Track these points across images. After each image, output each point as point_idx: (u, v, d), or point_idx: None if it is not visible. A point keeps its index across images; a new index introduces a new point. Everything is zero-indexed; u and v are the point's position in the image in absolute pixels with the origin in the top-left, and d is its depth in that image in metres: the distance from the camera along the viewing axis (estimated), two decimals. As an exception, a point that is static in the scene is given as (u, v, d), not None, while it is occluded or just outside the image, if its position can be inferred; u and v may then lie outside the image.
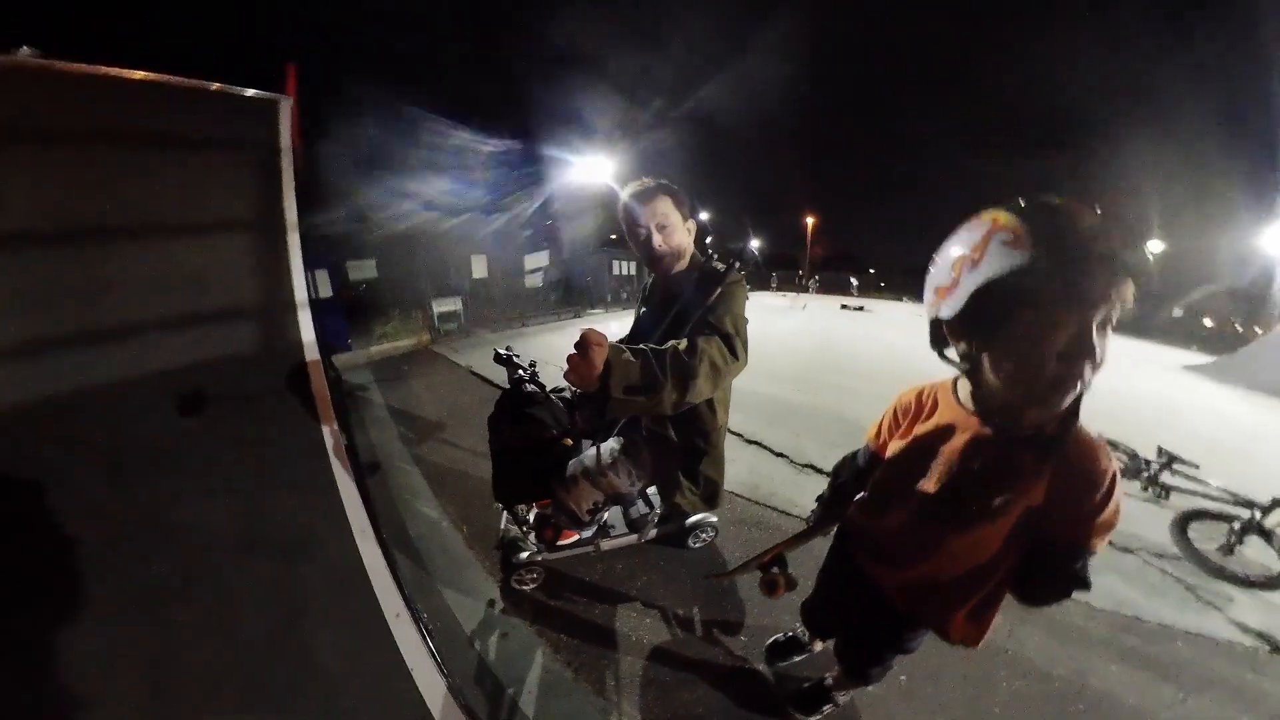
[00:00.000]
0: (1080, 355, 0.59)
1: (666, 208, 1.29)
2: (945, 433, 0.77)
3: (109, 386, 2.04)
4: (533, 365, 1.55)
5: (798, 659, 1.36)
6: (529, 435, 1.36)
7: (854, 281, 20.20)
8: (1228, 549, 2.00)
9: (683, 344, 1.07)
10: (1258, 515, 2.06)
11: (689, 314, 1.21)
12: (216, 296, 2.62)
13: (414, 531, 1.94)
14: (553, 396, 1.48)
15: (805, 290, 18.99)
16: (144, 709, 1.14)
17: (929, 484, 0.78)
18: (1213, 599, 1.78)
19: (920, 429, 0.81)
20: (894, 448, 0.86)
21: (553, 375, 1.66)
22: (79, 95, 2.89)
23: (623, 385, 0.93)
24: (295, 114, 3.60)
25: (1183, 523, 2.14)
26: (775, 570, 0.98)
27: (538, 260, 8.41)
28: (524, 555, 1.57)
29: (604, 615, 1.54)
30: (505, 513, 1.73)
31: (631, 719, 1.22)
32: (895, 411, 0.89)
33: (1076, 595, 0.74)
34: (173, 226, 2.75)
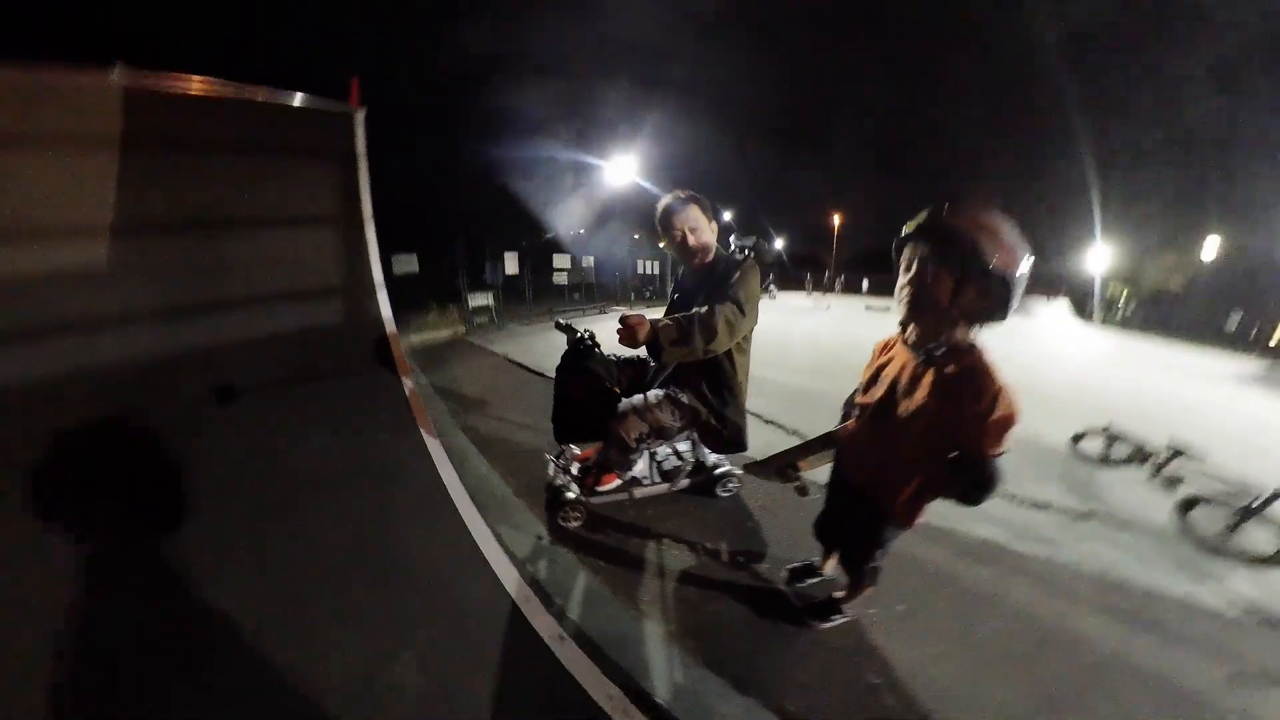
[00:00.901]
0: (955, 305, 0.92)
1: (696, 215, 1.63)
2: (891, 363, 1.09)
3: (236, 344, 2.53)
4: (589, 333, 1.82)
5: (812, 581, 1.57)
6: (587, 385, 1.65)
7: (864, 281, 19.76)
8: (1228, 531, 2.05)
9: (705, 309, 1.44)
10: (1256, 503, 2.12)
11: (715, 292, 1.53)
12: (312, 278, 3.13)
13: (468, 484, 2.22)
14: (606, 356, 1.77)
15: (831, 290, 18.70)
16: (289, 581, 1.48)
17: (878, 401, 1.08)
18: (1207, 574, 1.85)
19: (880, 361, 1.13)
20: (866, 378, 1.15)
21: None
22: (195, 110, 3.42)
23: (668, 340, 1.37)
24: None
25: (1185, 506, 2.22)
26: (795, 474, 1.27)
27: (565, 259, 8.83)
28: (570, 495, 1.84)
29: (637, 548, 1.78)
30: (552, 463, 2.02)
31: (665, 626, 1.45)
32: (874, 353, 1.19)
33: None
34: (275, 220, 3.27)
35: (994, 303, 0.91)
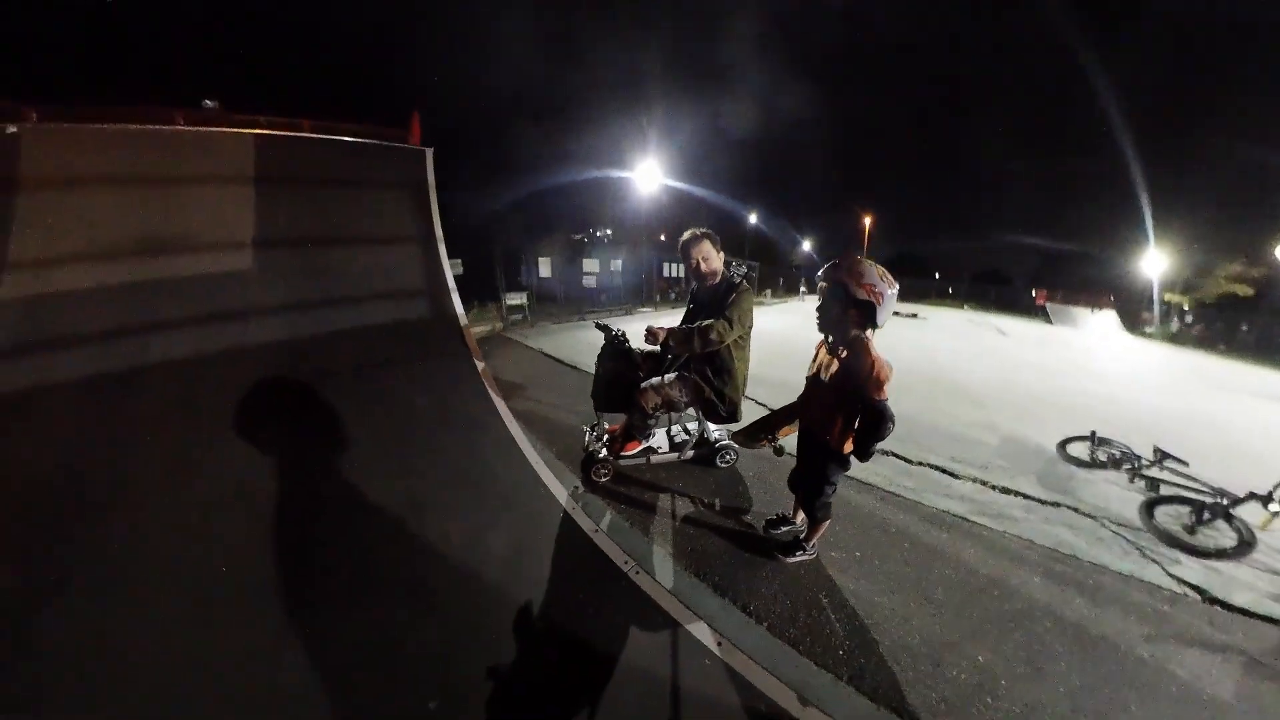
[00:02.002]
0: (842, 319, 1.41)
1: (707, 248, 2.16)
2: (821, 352, 1.62)
3: (349, 330, 3.41)
4: (622, 332, 2.33)
5: (785, 529, 1.94)
6: (619, 369, 2.15)
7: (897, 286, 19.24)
8: (1190, 528, 2.20)
9: (706, 322, 2.01)
10: (1225, 502, 2.26)
11: (717, 308, 2.07)
12: (401, 281, 4.04)
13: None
14: (629, 344, 2.27)
15: None
16: (417, 487, 2.09)
17: (814, 375, 1.61)
18: (1158, 558, 2.01)
19: (818, 351, 1.64)
20: (811, 369, 1.64)
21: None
22: (307, 150, 4.46)
23: (675, 342, 1.98)
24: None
25: (1152, 504, 2.37)
26: (772, 438, 1.71)
27: (594, 263, 9.45)
28: (601, 455, 2.34)
29: (651, 497, 2.22)
30: (588, 433, 2.52)
31: (670, 552, 1.87)
32: (816, 347, 1.68)
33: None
34: (370, 237, 4.23)
35: (865, 319, 1.45)
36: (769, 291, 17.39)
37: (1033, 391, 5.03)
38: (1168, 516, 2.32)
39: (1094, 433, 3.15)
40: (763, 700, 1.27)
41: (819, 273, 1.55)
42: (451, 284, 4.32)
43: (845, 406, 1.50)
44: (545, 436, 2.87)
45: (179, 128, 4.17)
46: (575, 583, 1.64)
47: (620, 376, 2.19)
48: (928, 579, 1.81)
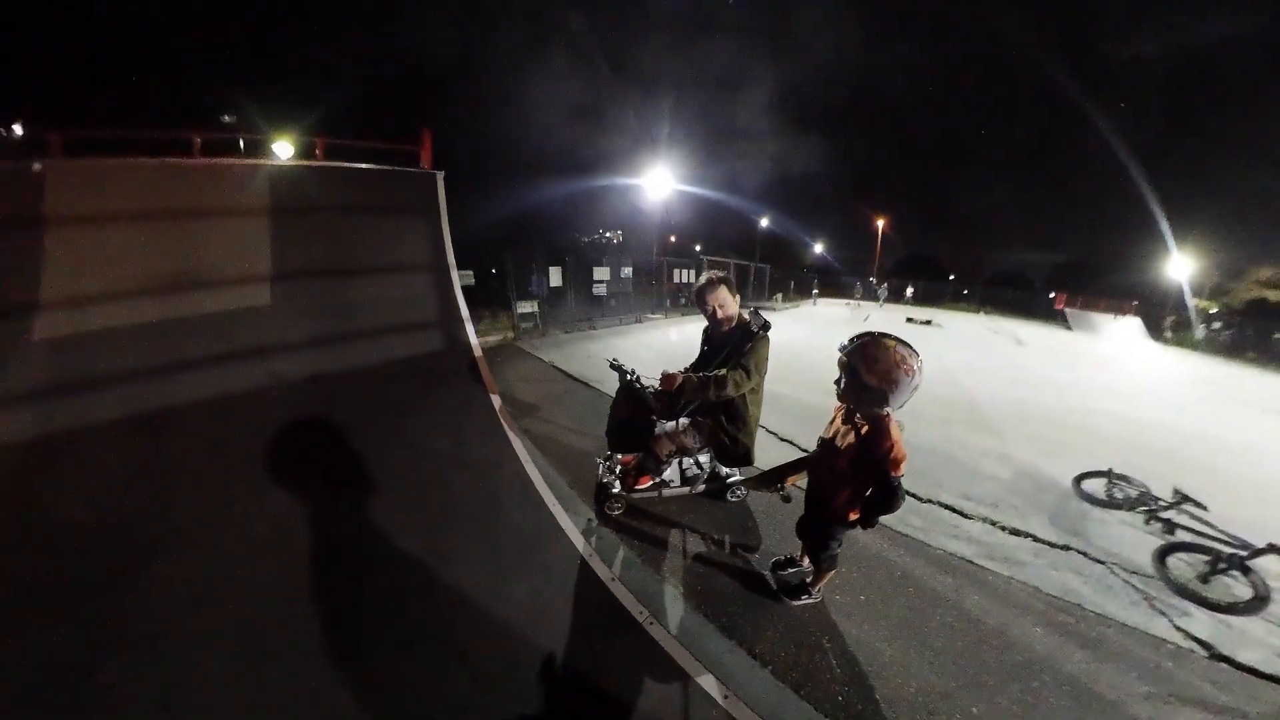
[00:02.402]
0: (861, 395, 1.46)
1: (723, 294, 2.23)
2: (839, 418, 1.63)
3: (367, 367, 3.47)
4: (634, 372, 2.39)
5: (791, 571, 2.01)
6: (633, 411, 2.23)
7: (909, 289, 18.81)
8: (1204, 577, 2.18)
9: (723, 370, 2.07)
10: (1243, 553, 2.23)
11: (733, 354, 2.14)
12: (415, 313, 4.11)
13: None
14: (646, 389, 2.33)
15: (875, 299, 17.99)
16: (420, 542, 2.19)
17: (829, 439, 1.64)
18: (1166, 609, 2.01)
19: (836, 419, 1.65)
20: (827, 431, 1.66)
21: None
22: (320, 179, 4.53)
23: (691, 390, 2.03)
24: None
25: (1166, 551, 2.35)
26: (780, 487, 1.81)
27: (604, 271, 9.53)
28: (614, 491, 2.42)
29: (663, 532, 2.31)
30: (601, 465, 2.61)
31: (680, 592, 1.95)
32: (834, 410, 1.69)
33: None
34: (383, 267, 4.31)
35: (877, 401, 1.46)
36: (779, 296, 17.24)
37: (1051, 414, 4.94)
38: (1181, 564, 2.30)
39: (1111, 470, 3.12)
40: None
41: (842, 346, 1.54)
42: (465, 313, 4.38)
43: (855, 481, 1.55)
44: (559, 463, 2.97)
45: (197, 161, 4.25)
46: (593, 633, 1.73)
47: (635, 420, 2.28)
48: (929, 626, 1.86)
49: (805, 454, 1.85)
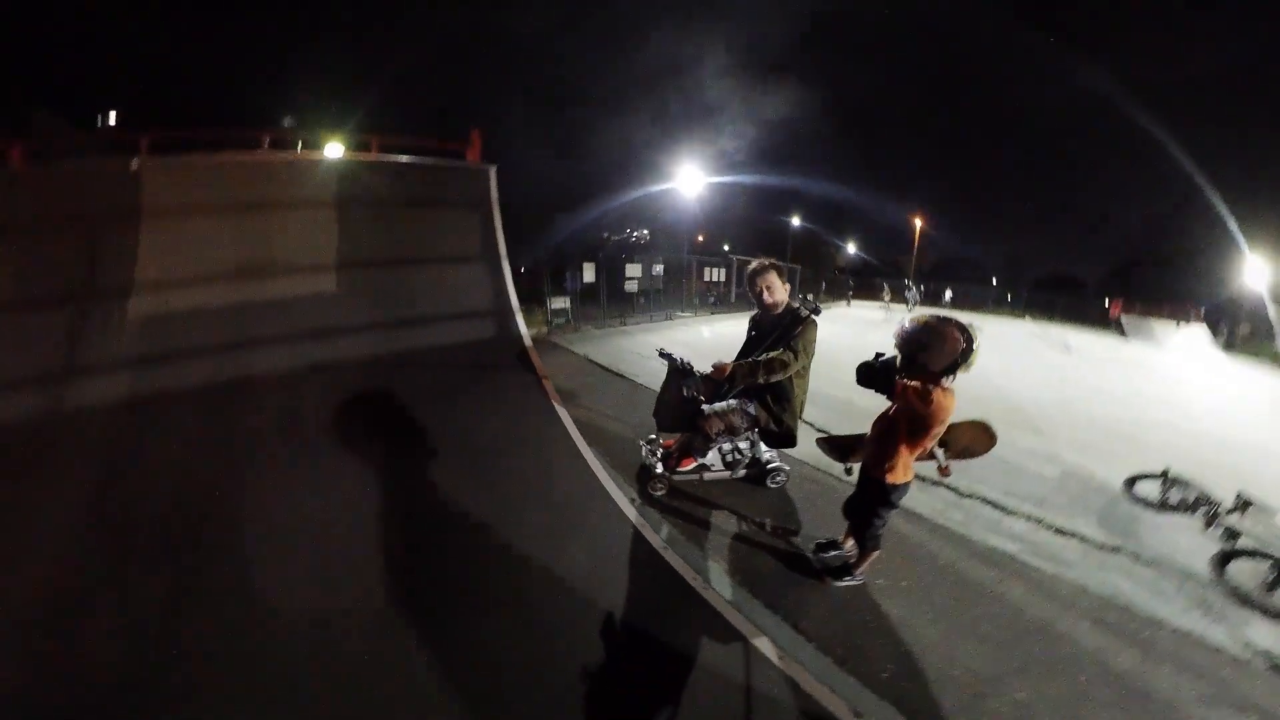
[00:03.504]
0: (912, 354, 1.56)
1: (773, 278, 2.32)
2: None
3: (424, 349, 3.80)
4: (683, 359, 2.51)
5: (834, 553, 2.07)
6: (682, 393, 2.34)
7: (948, 292, 17.84)
8: (1269, 586, 2.07)
9: (772, 352, 2.15)
10: None
11: (782, 338, 2.21)
12: (469, 301, 4.42)
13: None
14: (694, 373, 2.45)
15: (905, 301, 17.30)
16: (482, 511, 2.38)
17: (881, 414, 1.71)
18: (1225, 618, 1.91)
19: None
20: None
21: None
22: (383, 173, 4.89)
23: (742, 375, 2.16)
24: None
25: (1226, 557, 2.25)
26: (850, 461, 1.93)
27: (636, 268, 9.69)
28: (658, 471, 2.55)
29: (705, 514, 2.41)
30: (645, 448, 2.74)
31: (725, 569, 2.04)
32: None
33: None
34: (440, 257, 4.65)
35: (918, 353, 1.58)
36: (811, 296, 16.91)
37: (1101, 420, 4.72)
38: (1244, 572, 2.20)
39: (1166, 471, 3.00)
40: (820, 710, 1.43)
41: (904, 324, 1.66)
42: (515, 303, 4.67)
43: (889, 438, 1.67)
44: (601, 446, 3.11)
45: (272, 156, 4.63)
46: (650, 594, 1.86)
47: (685, 400, 2.38)
48: (973, 614, 1.87)
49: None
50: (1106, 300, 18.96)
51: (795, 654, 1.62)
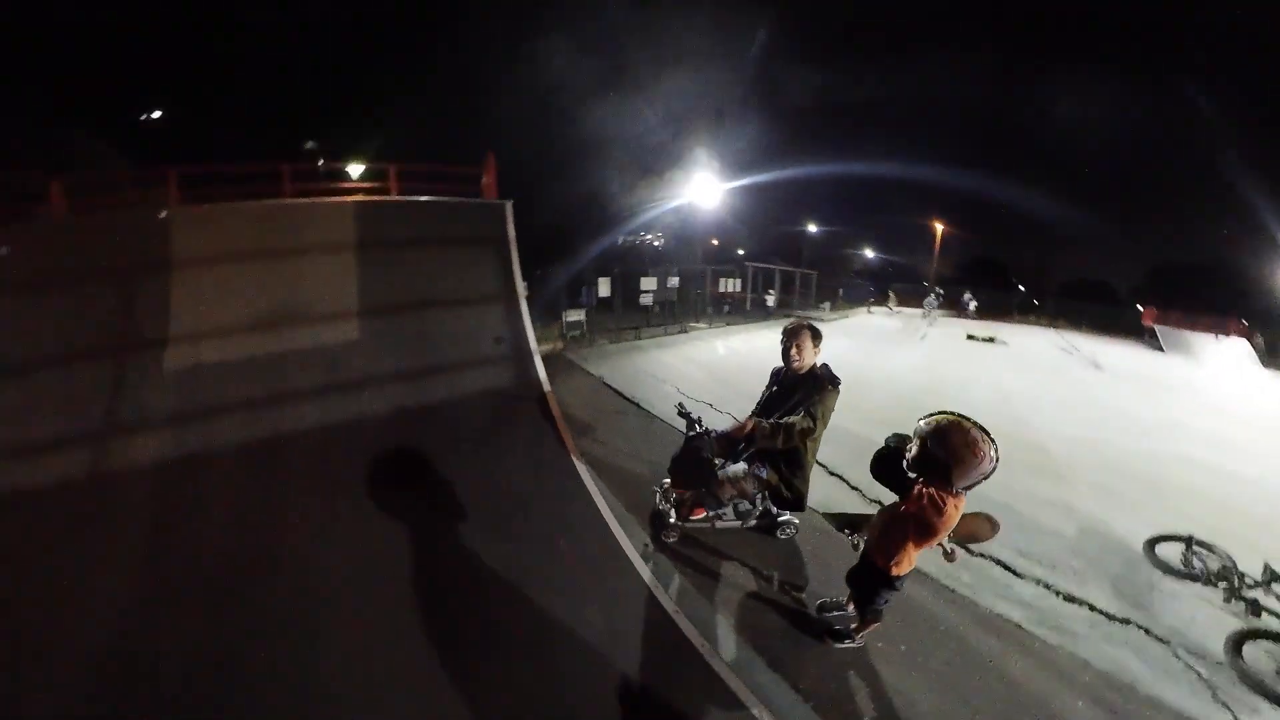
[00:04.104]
0: (934, 471, 1.56)
1: (805, 339, 2.42)
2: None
3: (445, 399, 3.93)
4: (699, 419, 2.63)
5: (836, 614, 2.16)
6: (697, 456, 2.48)
7: (972, 303, 17.02)
8: None
9: (791, 417, 2.27)
10: None
11: (801, 402, 2.33)
12: (489, 346, 4.50)
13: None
14: (711, 435, 2.57)
15: (926, 312, 16.72)
16: (501, 546, 2.57)
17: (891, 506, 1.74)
18: (1232, 703, 1.89)
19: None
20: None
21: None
22: (397, 214, 5.00)
23: (761, 436, 2.27)
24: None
25: (1243, 638, 2.20)
26: (849, 532, 1.99)
27: (651, 281, 9.76)
28: (671, 520, 2.68)
29: (714, 564, 2.53)
30: (658, 494, 2.87)
31: (731, 624, 2.16)
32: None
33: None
34: (458, 299, 4.73)
35: (941, 474, 1.56)
36: (827, 304, 16.63)
37: (1129, 461, 4.56)
38: (1261, 654, 2.15)
39: (1192, 536, 2.91)
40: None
41: (920, 420, 1.63)
42: (534, 346, 4.68)
43: (897, 538, 1.72)
44: (616, 488, 3.23)
45: (293, 201, 4.66)
46: (661, 656, 2.00)
47: (699, 464, 2.51)
48: (968, 686, 1.94)
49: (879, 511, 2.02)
50: (1139, 306, 17.95)
51: (790, 717, 1.74)
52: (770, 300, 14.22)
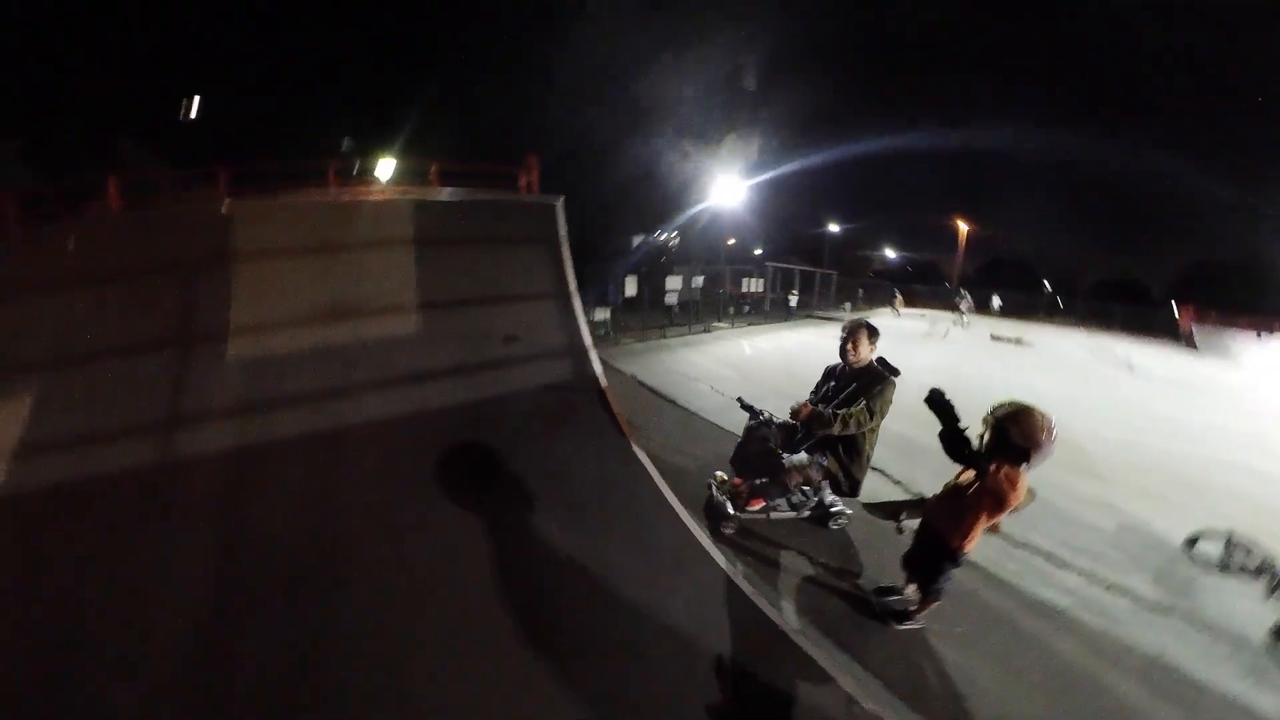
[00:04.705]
0: (1012, 456, 1.78)
1: (862, 336, 2.61)
2: (962, 474, 1.94)
3: (505, 393, 3.99)
4: (761, 411, 2.83)
5: (894, 598, 2.34)
6: (762, 445, 2.67)
7: (997, 302, 16.74)
8: None
9: (854, 408, 2.45)
10: None
11: (859, 393, 2.52)
12: (543, 342, 4.61)
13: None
14: (774, 424, 2.77)
15: (958, 310, 16.38)
16: (579, 539, 2.71)
17: (955, 486, 1.96)
18: (1277, 686, 1.99)
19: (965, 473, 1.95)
20: (954, 480, 1.99)
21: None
22: (454, 212, 5.13)
23: (819, 424, 2.44)
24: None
25: None
26: (897, 520, 2.18)
27: (677, 280, 9.95)
28: (728, 511, 2.88)
29: (773, 553, 2.71)
30: (713, 486, 3.07)
31: (791, 611, 2.33)
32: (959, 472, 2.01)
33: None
34: (514, 296, 4.82)
35: (1018, 458, 1.76)
36: (848, 305, 16.60)
37: (1166, 461, 4.64)
38: None
39: (1231, 535, 3.03)
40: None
41: (992, 409, 1.83)
42: (589, 342, 4.71)
43: (969, 515, 1.89)
44: (670, 483, 3.36)
45: (350, 196, 4.75)
46: (751, 640, 2.12)
47: (765, 454, 2.69)
48: (1023, 662, 2.10)
49: (923, 496, 2.19)
50: (1174, 307, 17.48)
51: (865, 694, 1.90)
52: (793, 301, 14.29)
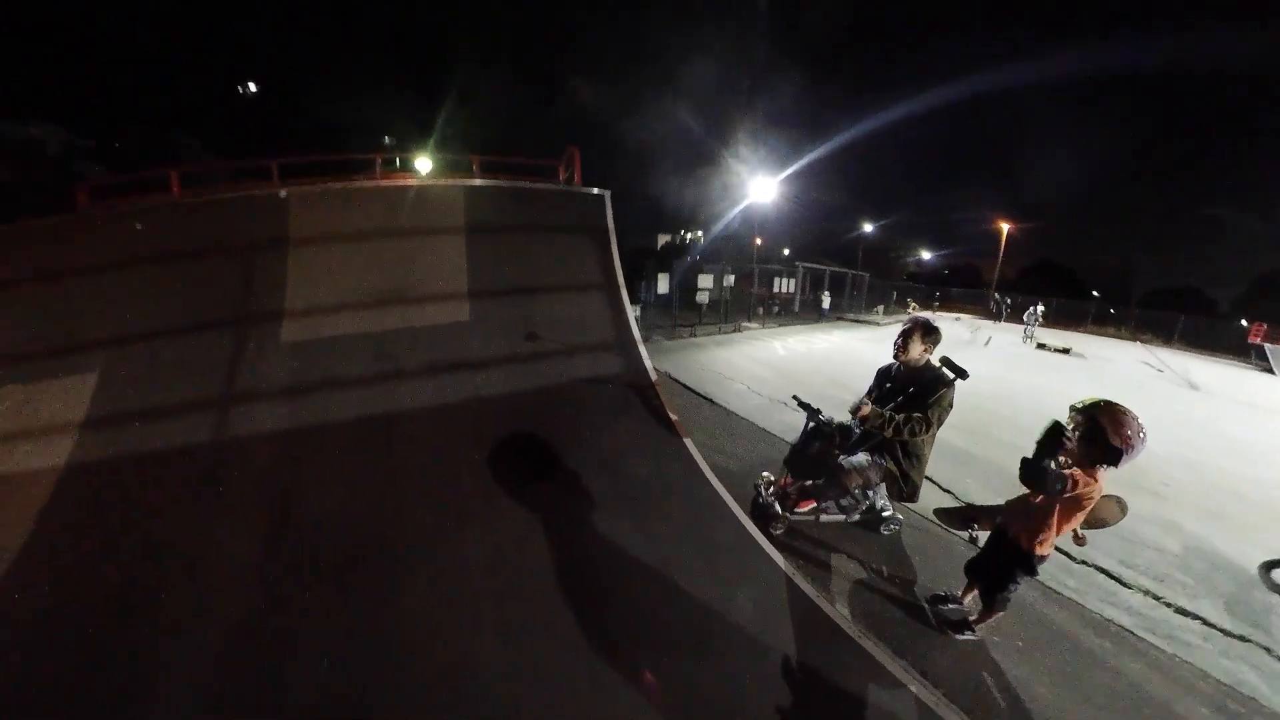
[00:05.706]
0: (1107, 457, 1.76)
1: (916, 336, 2.58)
2: None
3: (556, 383, 3.99)
4: (819, 411, 2.86)
5: (951, 607, 2.35)
6: (821, 447, 2.71)
7: (1040, 309, 16.03)
8: None
9: (913, 413, 2.44)
10: None
11: (916, 397, 2.50)
12: (592, 334, 4.68)
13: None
14: (833, 425, 2.80)
15: (1000, 317, 15.77)
16: (638, 536, 2.73)
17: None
18: None
19: None
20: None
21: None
22: (503, 199, 5.23)
23: (875, 425, 2.42)
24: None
25: None
26: (971, 528, 2.20)
27: (708, 279, 9.96)
28: (778, 512, 2.93)
29: (824, 556, 2.74)
30: (760, 487, 3.13)
31: (843, 611, 2.36)
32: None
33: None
34: (562, 286, 4.93)
35: (1112, 459, 1.75)
36: (881, 308, 16.22)
37: (1232, 483, 4.43)
38: None
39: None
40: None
41: (1077, 406, 1.82)
42: (637, 335, 4.75)
43: (1047, 520, 1.88)
44: (719, 477, 3.47)
45: (403, 183, 4.83)
46: (818, 641, 2.14)
47: (824, 454, 2.73)
48: (1088, 681, 2.08)
49: (997, 504, 2.19)
50: (1244, 321, 16.38)
51: (939, 703, 1.90)
52: (826, 303, 14.06)
